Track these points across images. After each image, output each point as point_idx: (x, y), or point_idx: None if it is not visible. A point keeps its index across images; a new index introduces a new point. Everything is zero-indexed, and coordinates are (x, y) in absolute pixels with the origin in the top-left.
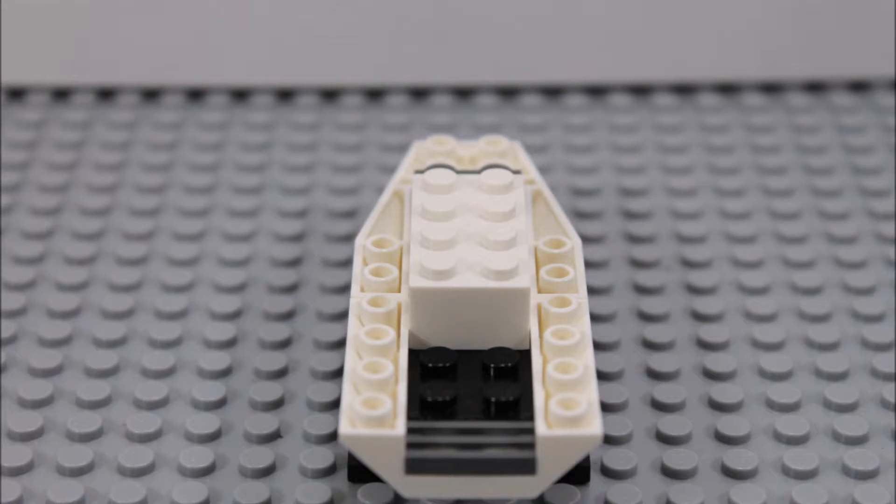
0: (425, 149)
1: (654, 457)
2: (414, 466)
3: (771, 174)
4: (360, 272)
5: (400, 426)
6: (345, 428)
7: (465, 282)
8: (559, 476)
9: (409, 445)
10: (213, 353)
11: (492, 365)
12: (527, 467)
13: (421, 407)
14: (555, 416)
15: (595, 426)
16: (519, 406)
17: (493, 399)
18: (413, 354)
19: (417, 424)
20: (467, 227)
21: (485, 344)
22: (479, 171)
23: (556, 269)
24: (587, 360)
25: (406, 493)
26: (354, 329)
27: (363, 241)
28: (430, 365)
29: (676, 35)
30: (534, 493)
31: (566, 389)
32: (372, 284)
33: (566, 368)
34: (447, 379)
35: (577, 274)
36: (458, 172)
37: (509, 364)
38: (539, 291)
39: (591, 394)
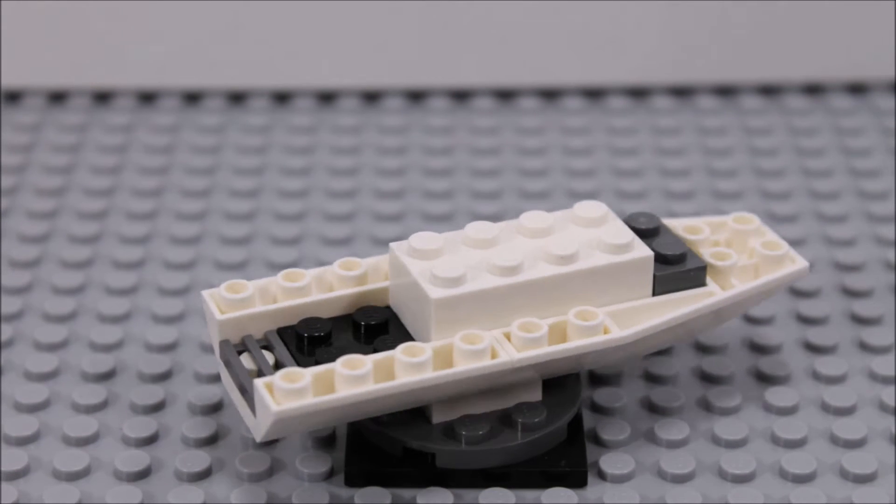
0: (724, 223)
1: (652, 460)
2: (221, 351)
3: (769, 176)
4: None
5: (227, 316)
6: (207, 291)
7: (407, 261)
8: (264, 432)
9: (243, 340)
10: (210, 357)
11: (380, 350)
12: (251, 402)
13: (296, 332)
14: (276, 381)
15: (275, 406)
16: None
17: (319, 359)
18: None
19: (271, 336)
20: (507, 244)
21: (410, 328)
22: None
23: (529, 324)
24: (397, 379)
25: (221, 373)
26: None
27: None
28: (362, 322)
29: (674, 37)
30: (256, 437)
31: (336, 380)
32: None
33: (354, 365)
34: (369, 335)
35: (553, 344)
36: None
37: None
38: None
39: (334, 392)
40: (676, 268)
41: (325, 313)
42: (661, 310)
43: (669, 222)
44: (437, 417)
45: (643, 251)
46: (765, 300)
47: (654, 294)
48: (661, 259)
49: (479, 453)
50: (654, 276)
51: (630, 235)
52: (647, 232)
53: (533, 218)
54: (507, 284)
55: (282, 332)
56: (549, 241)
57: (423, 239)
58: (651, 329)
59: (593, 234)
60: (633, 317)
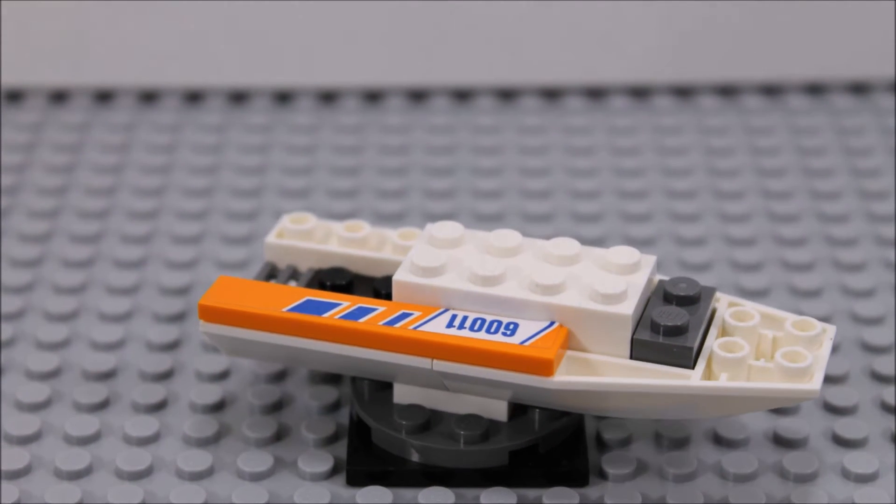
0: (783, 328)
1: (653, 460)
2: (261, 269)
3: (770, 176)
4: None
5: (272, 240)
6: (287, 214)
7: (416, 244)
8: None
9: (286, 268)
10: (212, 356)
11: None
12: None
13: (321, 275)
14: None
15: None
16: None
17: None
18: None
19: (306, 273)
20: (512, 258)
21: None
22: (669, 287)
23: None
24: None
25: None
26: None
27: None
28: (382, 291)
29: (675, 36)
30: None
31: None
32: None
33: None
34: (375, 294)
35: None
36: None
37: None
38: None
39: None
40: (660, 339)
41: (361, 270)
42: (626, 374)
43: (727, 299)
44: (397, 399)
45: (622, 309)
46: (763, 409)
47: (631, 357)
48: (654, 327)
49: (407, 444)
50: (632, 339)
51: (623, 289)
52: (679, 299)
53: (558, 245)
54: (469, 291)
55: (317, 274)
56: (542, 267)
57: (443, 228)
58: (578, 385)
59: (599, 277)
60: (595, 370)
